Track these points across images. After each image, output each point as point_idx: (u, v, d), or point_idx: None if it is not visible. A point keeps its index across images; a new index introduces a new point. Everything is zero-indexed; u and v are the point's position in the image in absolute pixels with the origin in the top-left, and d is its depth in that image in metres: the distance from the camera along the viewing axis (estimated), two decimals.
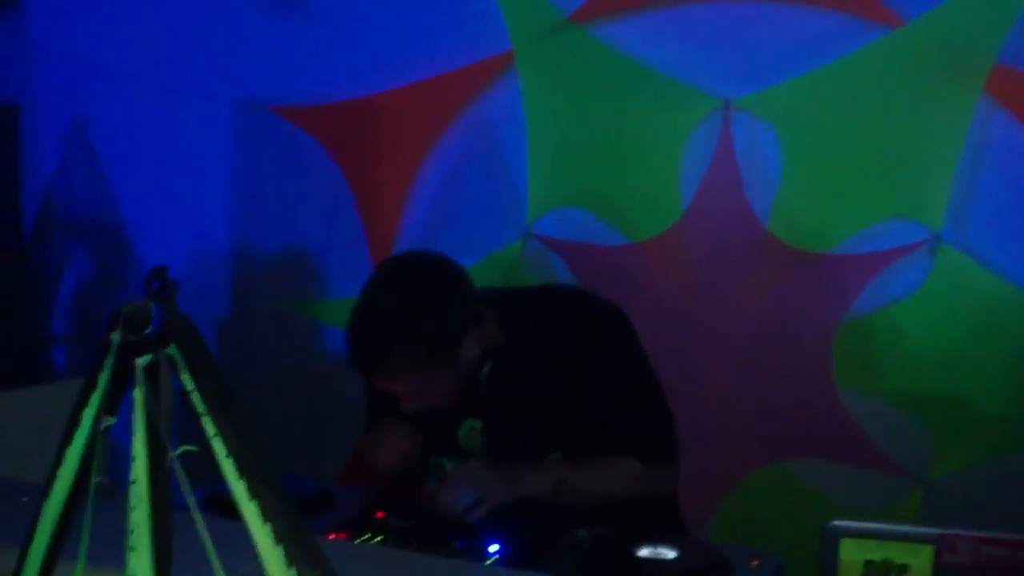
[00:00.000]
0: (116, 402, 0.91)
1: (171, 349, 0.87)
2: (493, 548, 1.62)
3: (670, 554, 1.55)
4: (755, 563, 1.55)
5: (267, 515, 0.86)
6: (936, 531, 1.20)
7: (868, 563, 1.21)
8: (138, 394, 0.88)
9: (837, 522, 1.23)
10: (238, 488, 0.86)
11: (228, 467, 0.86)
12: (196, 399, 0.86)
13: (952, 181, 2.38)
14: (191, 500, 0.89)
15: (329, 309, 3.05)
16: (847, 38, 2.39)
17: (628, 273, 2.66)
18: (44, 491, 0.94)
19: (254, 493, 0.86)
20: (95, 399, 0.90)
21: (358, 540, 1.64)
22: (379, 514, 1.77)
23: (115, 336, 0.88)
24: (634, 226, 2.67)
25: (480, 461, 1.85)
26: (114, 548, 0.92)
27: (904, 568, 1.21)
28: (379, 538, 1.65)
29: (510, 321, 1.95)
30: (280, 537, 0.86)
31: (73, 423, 0.92)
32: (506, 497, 1.82)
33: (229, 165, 3.18)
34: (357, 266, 2.98)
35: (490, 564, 1.57)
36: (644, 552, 1.55)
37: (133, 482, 0.90)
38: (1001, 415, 2.39)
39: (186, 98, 3.14)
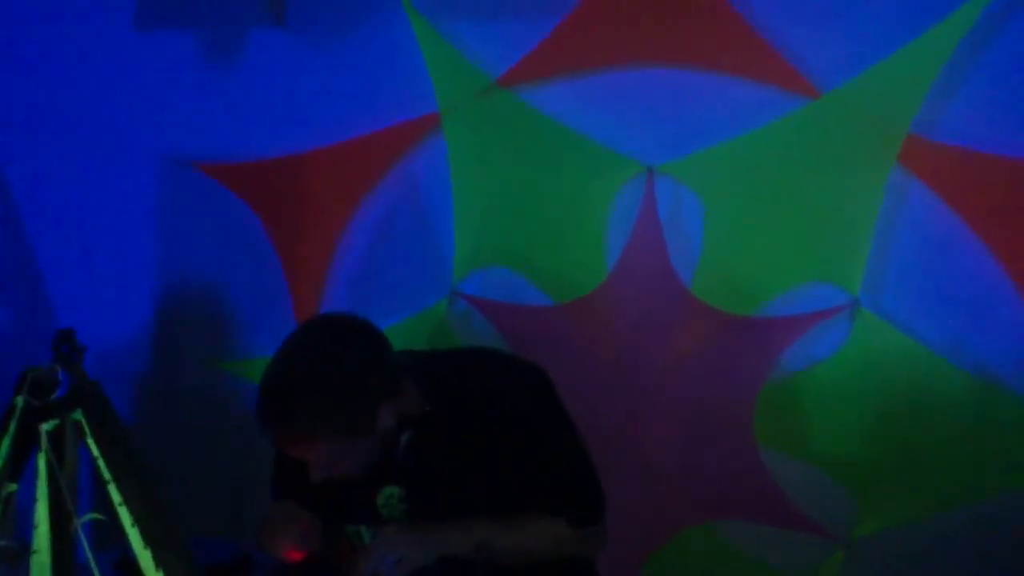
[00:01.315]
0: (19, 468, 0.89)
1: (77, 414, 0.85)
2: None
3: None
4: None
5: None
6: None
7: None
8: (42, 460, 0.85)
9: None
10: (144, 558, 0.84)
11: (134, 536, 0.84)
12: (102, 466, 0.84)
13: (869, 247, 2.43)
14: (96, 570, 0.86)
15: (254, 368, 3.00)
16: (767, 107, 2.44)
17: (554, 334, 2.66)
18: None
19: (160, 562, 0.84)
20: None
21: None
22: None
23: (19, 400, 0.86)
24: (559, 287, 2.68)
25: (398, 525, 1.83)
26: None
27: None
28: None
29: (430, 388, 1.91)
30: None
31: None
32: (427, 559, 1.80)
33: (153, 222, 3.13)
34: (282, 325, 2.92)
35: None
36: None
37: (35, 551, 0.87)
38: (921, 477, 2.43)
39: (111, 153, 3.09)
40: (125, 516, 0.82)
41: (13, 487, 0.87)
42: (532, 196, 2.72)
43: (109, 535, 0.86)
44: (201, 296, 3.09)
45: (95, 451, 0.83)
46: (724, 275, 2.56)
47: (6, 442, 0.85)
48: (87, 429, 0.83)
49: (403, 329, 2.63)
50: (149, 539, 0.82)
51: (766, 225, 2.54)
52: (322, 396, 1.73)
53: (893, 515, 2.45)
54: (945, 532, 2.39)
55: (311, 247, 2.91)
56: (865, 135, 2.40)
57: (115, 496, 0.82)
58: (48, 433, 0.84)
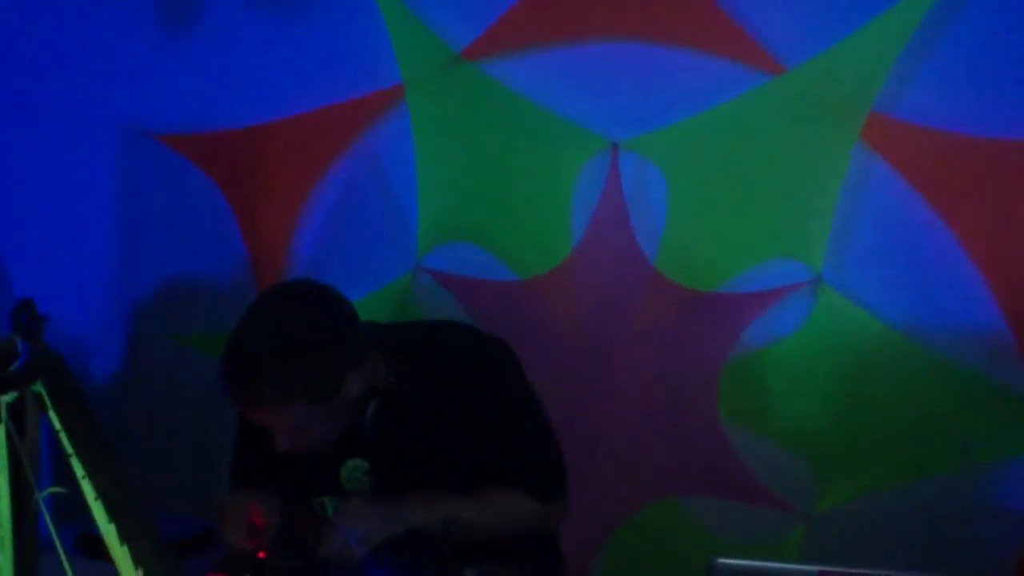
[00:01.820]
0: None
1: (38, 386, 0.83)
2: None
3: None
4: None
5: (138, 559, 0.82)
6: (816, 568, 1.22)
7: None
8: (1, 433, 0.83)
9: (721, 560, 1.24)
10: (108, 531, 0.83)
11: (98, 509, 0.82)
12: (64, 439, 0.82)
13: (831, 224, 2.44)
14: (58, 544, 0.84)
15: (215, 342, 2.97)
16: (732, 83, 2.43)
17: (518, 309, 2.66)
18: None
19: (125, 536, 0.82)
20: None
21: None
22: (261, 554, 1.71)
23: None
24: (524, 263, 2.67)
25: (362, 499, 1.82)
26: None
27: None
28: None
29: (396, 359, 1.90)
30: None
31: None
32: (392, 532, 1.79)
33: (112, 194, 3.07)
34: (244, 299, 2.89)
35: None
36: None
37: None
38: (881, 451, 2.45)
39: (66, 124, 3.03)
40: (88, 490, 0.80)
41: None
42: (496, 170, 2.70)
43: (71, 509, 0.84)
44: (162, 270, 3.04)
45: (56, 424, 0.81)
46: (688, 251, 2.56)
47: None
48: (48, 401, 0.81)
49: (367, 304, 2.59)
50: (113, 513, 0.80)
51: (730, 201, 2.54)
52: (288, 362, 1.70)
53: (854, 489, 2.48)
54: (905, 506, 2.42)
55: (272, 220, 2.88)
56: (828, 112, 2.40)
57: (78, 469, 0.80)
58: (8, 406, 0.82)
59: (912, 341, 2.40)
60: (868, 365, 2.45)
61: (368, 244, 2.81)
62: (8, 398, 0.82)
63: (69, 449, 0.81)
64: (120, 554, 0.80)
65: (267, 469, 1.90)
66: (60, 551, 0.80)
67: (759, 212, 2.52)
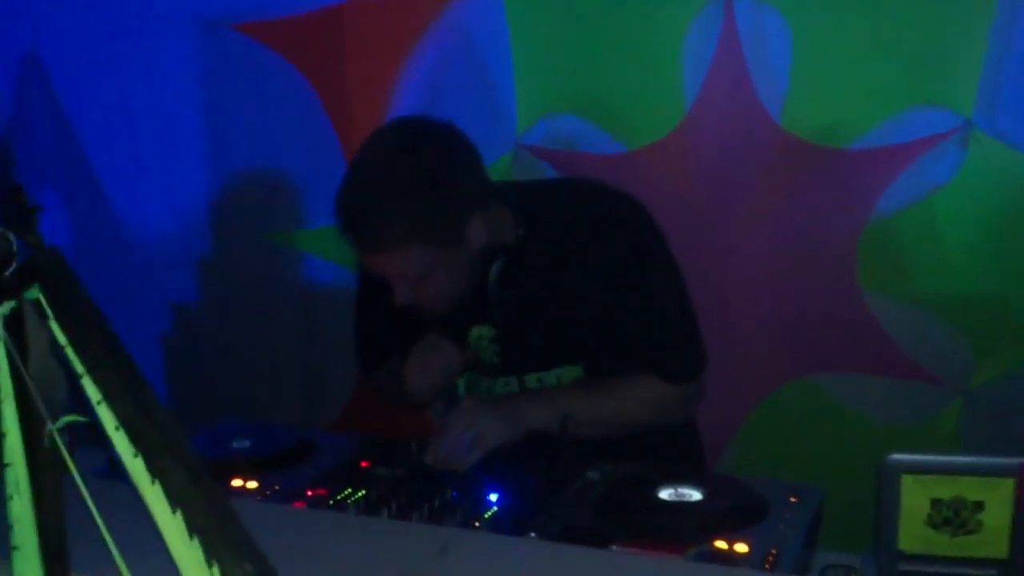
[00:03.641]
0: None
1: (35, 291, 0.66)
2: (492, 497, 1.42)
3: (695, 495, 1.36)
4: (793, 499, 1.35)
5: (176, 500, 0.66)
6: (1015, 461, 1.00)
7: (936, 502, 1.02)
8: (0, 353, 0.67)
9: (896, 456, 1.03)
10: (135, 468, 0.66)
11: (120, 441, 0.66)
12: (71, 355, 0.66)
13: (983, 62, 2.14)
14: (82, 485, 0.69)
15: (311, 238, 2.85)
16: None
17: (629, 183, 2.39)
18: None
19: (157, 472, 0.66)
20: None
21: (337, 496, 1.44)
22: (364, 463, 1.57)
23: None
24: (632, 132, 2.43)
25: (475, 399, 1.66)
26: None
27: (979, 506, 1.01)
28: (361, 493, 1.45)
29: (525, 215, 1.73)
30: (195, 528, 0.66)
31: None
32: (507, 437, 1.63)
33: (194, 90, 2.93)
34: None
35: (488, 516, 1.37)
36: (665, 494, 1.36)
37: (7, 465, 0.70)
38: None
39: (141, 21, 2.90)
40: (107, 416, 0.63)
41: None
42: (596, 33, 2.45)
43: (94, 441, 0.67)
44: (251, 164, 2.91)
45: (62, 338, 0.64)
46: (817, 104, 2.29)
47: None
48: (48, 311, 0.64)
49: None
50: (140, 443, 0.63)
51: (862, 46, 2.25)
52: (407, 202, 1.59)
53: (1017, 359, 2.22)
54: None
55: (361, 104, 2.69)
56: None
57: (92, 393, 0.63)
58: (4, 319, 0.65)
59: None
60: None
61: (463, 123, 2.56)
62: (3, 310, 0.65)
63: (80, 368, 0.64)
64: (151, 493, 0.63)
65: (394, 348, 1.81)
66: (85, 495, 0.64)
67: (897, 54, 2.22)
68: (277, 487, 1.48)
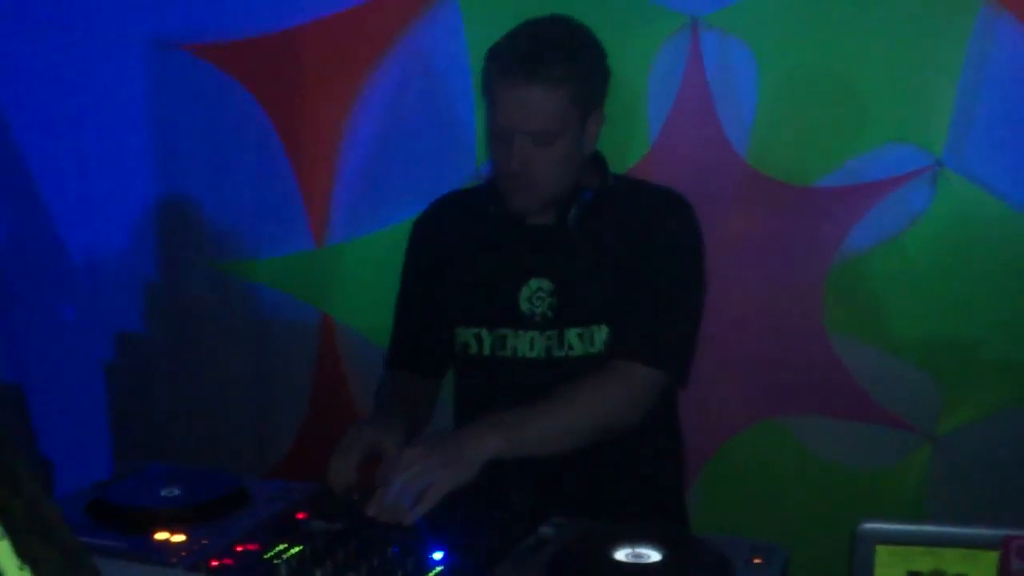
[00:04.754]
0: None
1: None
2: (437, 556, 1.33)
3: (654, 555, 1.27)
4: (757, 560, 1.27)
5: (24, 554, 0.57)
6: (999, 532, 0.93)
7: (913, 575, 0.94)
8: None
9: (870, 524, 0.95)
10: (2, 551, 0.57)
11: None
12: None
13: (954, 99, 2.10)
14: None
15: (262, 269, 2.75)
16: None
17: None
18: None
19: (26, 557, 0.57)
20: None
21: (269, 552, 1.34)
22: (300, 515, 1.47)
23: None
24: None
25: (414, 449, 1.56)
26: None
27: None
28: (296, 548, 1.35)
29: (605, 172, 1.94)
30: None
31: None
32: (457, 482, 1.54)
33: (145, 112, 2.83)
34: (292, 219, 2.68)
35: None
36: (622, 555, 1.27)
37: None
38: (1015, 360, 2.13)
39: (91, 41, 2.80)
40: None
41: None
42: None
43: None
44: (201, 191, 2.81)
45: None
46: (783, 140, 2.25)
47: None
48: None
49: None
50: (8, 524, 0.54)
51: (831, 80, 2.21)
52: (581, 46, 1.81)
53: (984, 405, 2.17)
54: None
55: (317, 131, 2.61)
56: None
57: None
58: None
59: None
60: (999, 259, 2.14)
61: (422, 153, 2.53)
62: None
63: None
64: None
65: (444, 292, 1.95)
66: None
67: (866, 90, 2.19)
68: (205, 541, 1.38)
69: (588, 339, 1.85)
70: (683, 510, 2.06)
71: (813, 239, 2.25)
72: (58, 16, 2.83)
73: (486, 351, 1.90)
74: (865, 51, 2.17)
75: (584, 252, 1.87)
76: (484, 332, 1.89)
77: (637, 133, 2.31)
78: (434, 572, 1.29)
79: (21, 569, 0.57)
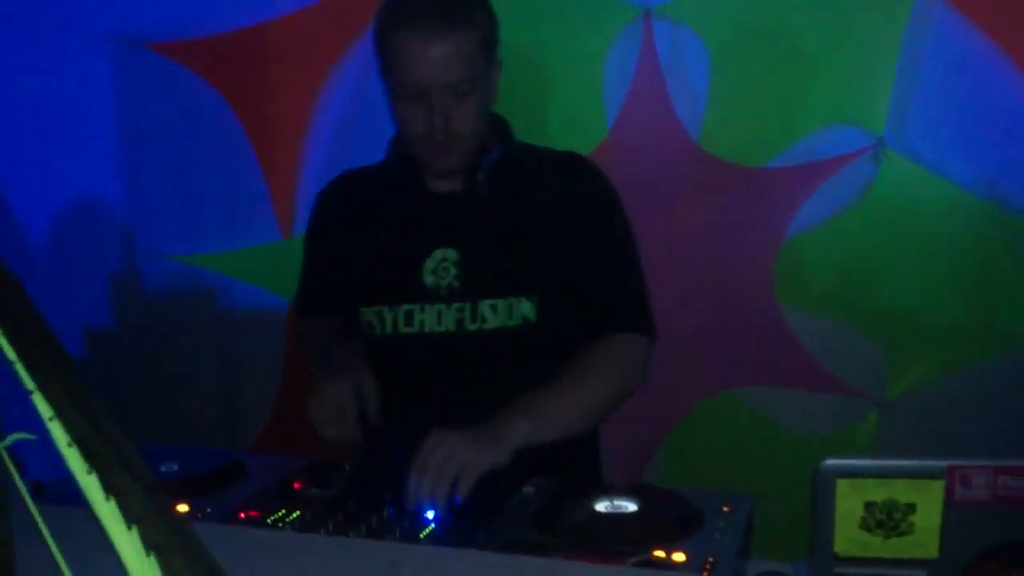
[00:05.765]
0: None
1: None
2: (429, 515, 1.42)
3: (631, 507, 1.37)
4: (726, 509, 1.38)
5: (132, 516, 0.64)
6: (943, 463, 1.04)
7: (869, 505, 1.04)
8: None
9: (831, 461, 1.06)
10: (89, 485, 0.65)
11: (73, 458, 0.64)
12: (20, 369, 0.64)
13: (893, 81, 2.22)
14: (30, 503, 0.67)
15: (229, 260, 2.81)
16: None
17: None
18: None
19: (112, 490, 0.65)
20: None
21: (271, 517, 1.42)
22: (297, 484, 1.55)
23: None
24: (557, 147, 2.46)
25: (441, 433, 1.50)
26: None
27: (911, 507, 1.04)
28: (296, 514, 1.43)
29: (509, 132, 1.91)
30: (152, 544, 0.65)
31: None
32: (490, 465, 1.51)
33: (110, 110, 2.88)
34: (259, 212, 2.74)
35: (425, 535, 1.37)
36: (602, 507, 1.37)
37: None
38: (957, 327, 2.26)
39: (56, 37, 2.83)
40: (59, 432, 0.61)
41: None
42: (518, 53, 2.47)
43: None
44: (168, 187, 2.86)
45: (10, 354, 0.62)
46: (734, 124, 2.36)
47: None
48: None
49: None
50: (94, 460, 0.62)
51: (777, 66, 2.32)
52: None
53: (929, 371, 2.29)
54: (988, 386, 2.23)
55: (282, 125, 2.68)
56: None
57: (44, 409, 0.62)
58: None
59: (988, 203, 2.19)
60: (940, 233, 2.26)
61: (384, 143, 2.60)
62: None
63: (29, 384, 0.62)
64: (106, 510, 0.61)
65: (346, 274, 1.87)
66: (35, 513, 0.62)
67: (811, 74, 2.30)
68: (209, 510, 1.46)
69: (506, 311, 1.77)
70: (597, 464, 2.03)
71: (765, 217, 2.36)
72: (22, 12, 2.86)
73: (387, 329, 1.82)
74: (808, 36, 2.28)
75: (493, 218, 1.81)
76: (385, 310, 1.81)
77: (594, 120, 2.40)
78: (427, 530, 1.38)
79: (107, 500, 0.65)
